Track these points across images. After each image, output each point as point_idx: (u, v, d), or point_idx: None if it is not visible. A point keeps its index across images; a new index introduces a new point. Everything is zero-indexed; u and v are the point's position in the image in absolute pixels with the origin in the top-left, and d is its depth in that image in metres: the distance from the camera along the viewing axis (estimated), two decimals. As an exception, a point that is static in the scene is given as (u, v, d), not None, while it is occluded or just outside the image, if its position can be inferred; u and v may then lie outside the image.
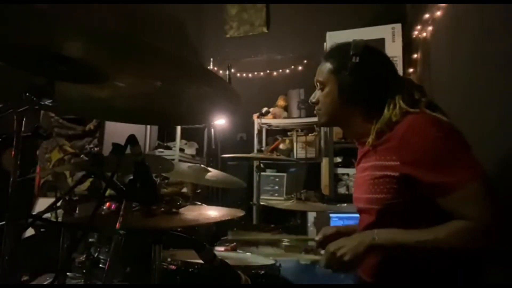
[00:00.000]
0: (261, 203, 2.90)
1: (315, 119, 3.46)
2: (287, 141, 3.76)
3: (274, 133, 3.96)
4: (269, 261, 1.48)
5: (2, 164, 2.29)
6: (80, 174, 2.62)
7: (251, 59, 4.22)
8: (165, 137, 4.08)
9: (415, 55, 3.06)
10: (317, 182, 3.35)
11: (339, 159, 3.20)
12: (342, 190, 3.12)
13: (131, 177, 0.91)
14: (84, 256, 1.40)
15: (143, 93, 1.07)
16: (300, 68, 3.99)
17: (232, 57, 4.03)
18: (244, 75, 4.17)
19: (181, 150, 3.81)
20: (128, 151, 0.91)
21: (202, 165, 2.03)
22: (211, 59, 4.23)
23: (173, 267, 1.28)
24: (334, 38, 3.06)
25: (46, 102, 0.88)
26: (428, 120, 1.08)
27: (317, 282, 1.56)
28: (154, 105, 1.14)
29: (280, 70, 4.10)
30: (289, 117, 3.82)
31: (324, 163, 3.27)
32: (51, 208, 1.42)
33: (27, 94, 0.86)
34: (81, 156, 3.13)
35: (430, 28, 2.63)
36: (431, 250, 1.01)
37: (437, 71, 2.50)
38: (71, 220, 1.48)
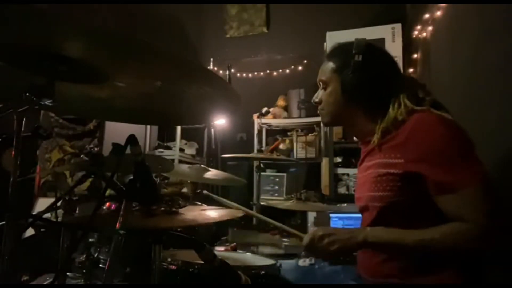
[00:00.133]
0: (261, 203, 2.89)
1: (315, 119, 3.54)
2: (287, 141, 3.76)
3: (274, 133, 3.96)
4: (269, 261, 1.48)
5: (2, 164, 2.29)
6: (80, 174, 2.61)
7: (251, 59, 4.22)
8: (165, 137, 4.07)
9: (415, 55, 3.06)
10: (317, 182, 3.35)
11: (339, 159, 3.20)
12: (342, 190, 3.12)
13: (131, 177, 0.91)
14: (84, 256, 1.40)
15: (143, 93, 1.07)
16: (300, 68, 4.00)
17: (232, 57, 4.03)
18: (244, 75, 4.17)
19: (181, 150, 3.81)
20: (128, 151, 0.91)
21: (202, 165, 2.03)
22: (211, 59, 4.23)
23: (173, 267, 1.28)
24: (334, 38, 3.06)
25: (46, 102, 0.88)
26: (436, 119, 1.07)
27: (317, 282, 1.56)
28: (154, 105, 1.14)
29: (280, 70, 4.10)
30: (289, 117, 3.82)
31: (324, 163, 3.27)
32: (51, 208, 1.42)
33: (27, 94, 0.86)
34: (81, 156, 3.12)
35: (430, 28, 2.63)
36: (427, 250, 1.01)
37: (437, 71, 2.50)
38: (71, 220, 1.47)
